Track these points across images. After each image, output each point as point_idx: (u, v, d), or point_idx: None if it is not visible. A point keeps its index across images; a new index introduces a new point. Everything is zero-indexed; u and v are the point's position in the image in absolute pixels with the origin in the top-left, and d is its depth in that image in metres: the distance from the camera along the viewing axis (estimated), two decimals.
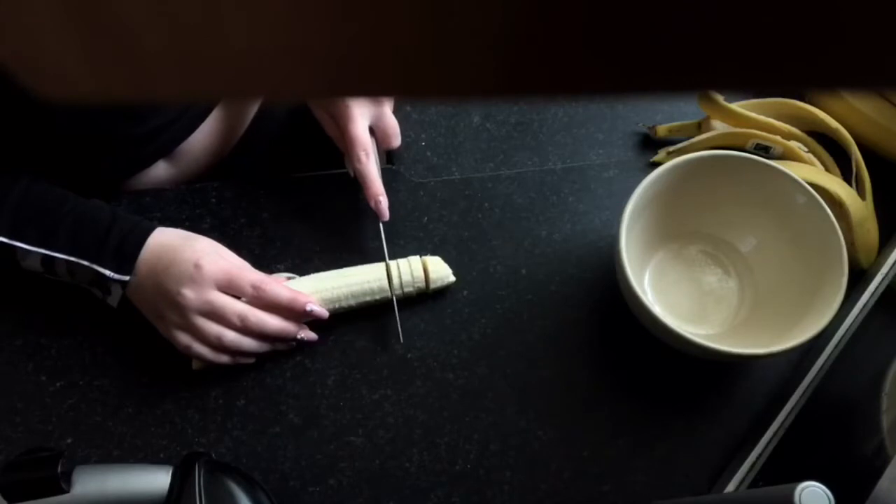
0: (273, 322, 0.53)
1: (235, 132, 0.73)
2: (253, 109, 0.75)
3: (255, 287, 0.52)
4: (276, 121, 0.77)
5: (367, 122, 0.58)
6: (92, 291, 0.56)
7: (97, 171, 0.60)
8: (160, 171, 0.66)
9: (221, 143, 0.71)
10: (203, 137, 0.68)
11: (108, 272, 0.51)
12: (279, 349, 0.56)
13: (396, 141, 0.60)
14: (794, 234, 0.57)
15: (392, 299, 0.57)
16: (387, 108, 0.60)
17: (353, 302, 0.56)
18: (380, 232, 0.59)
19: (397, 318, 0.57)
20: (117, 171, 0.62)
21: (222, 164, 0.72)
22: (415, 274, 0.57)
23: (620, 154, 0.68)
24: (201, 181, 0.70)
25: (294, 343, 0.56)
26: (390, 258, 0.58)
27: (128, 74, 0.11)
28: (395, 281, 0.57)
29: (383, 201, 0.57)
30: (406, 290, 0.57)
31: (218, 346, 0.52)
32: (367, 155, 0.57)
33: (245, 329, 0.52)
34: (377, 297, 0.57)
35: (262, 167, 0.75)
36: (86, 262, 0.51)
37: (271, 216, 0.62)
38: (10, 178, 0.53)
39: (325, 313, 0.55)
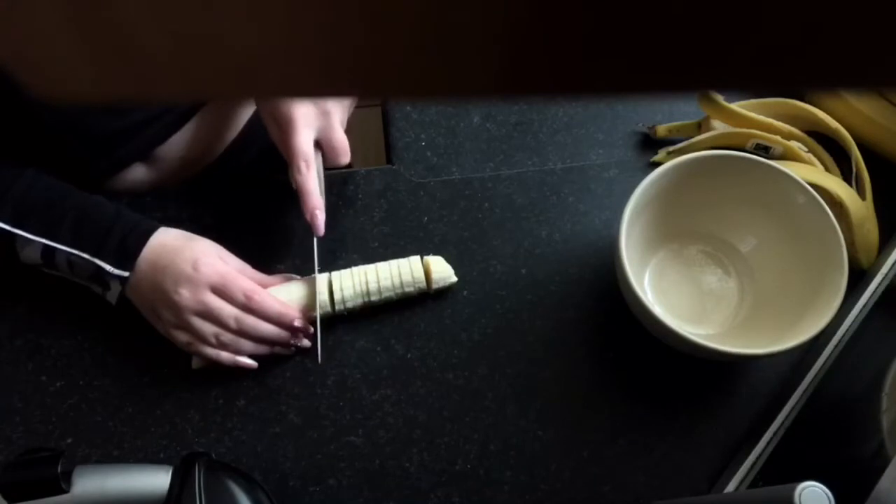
0: (268, 327, 0.53)
1: (219, 140, 0.70)
2: (244, 117, 0.72)
3: (246, 296, 0.52)
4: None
5: (313, 133, 0.55)
6: (91, 287, 0.56)
7: (76, 170, 0.58)
8: (138, 173, 0.64)
9: (202, 150, 0.68)
10: (182, 143, 0.65)
11: (108, 267, 0.51)
12: (280, 353, 0.56)
13: (345, 158, 0.57)
14: (794, 234, 0.57)
15: (317, 318, 0.55)
16: (335, 123, 0.56)
17: (357, 302, 0.56)
18: (313, 245, 0.57)
19: (318, 339, 0.56)
20: (94, 170, 0.61)
21: (214, 167, 0.70)
22: (415, 274, 0.57)
23: (620, 154, 0.68)
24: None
25: (295, 349, 0.56)
26: (392, 257, 0.58)
27: (128, 74, 0.11)
28: (324, 297, 0.55)
29: (319, 216, 0.55)
30: (406, 290, 0.57)
31: (217, 343, 0.52)
32: (307, 166, 0.54)
33: (241, 332, 0.53)
34: (373, 297, 0.57)
35: (256, 171, 0.74)
36: (87, 256, 0.51)
37: (272, 216, 0.62)
38: (17, 168, 0.53)
39: (309, 329, 0.55)
